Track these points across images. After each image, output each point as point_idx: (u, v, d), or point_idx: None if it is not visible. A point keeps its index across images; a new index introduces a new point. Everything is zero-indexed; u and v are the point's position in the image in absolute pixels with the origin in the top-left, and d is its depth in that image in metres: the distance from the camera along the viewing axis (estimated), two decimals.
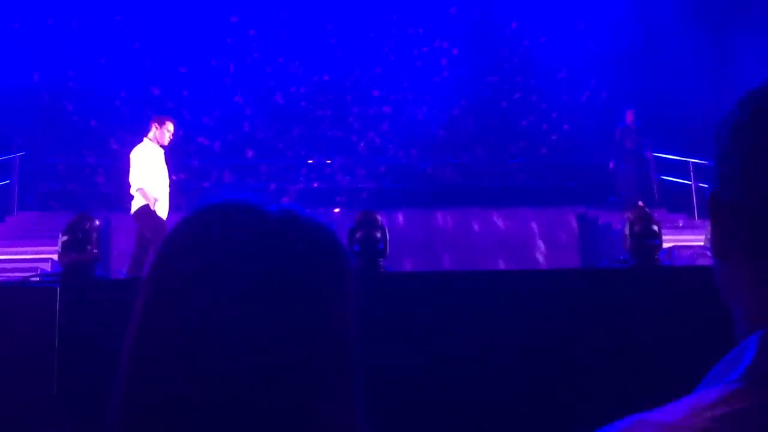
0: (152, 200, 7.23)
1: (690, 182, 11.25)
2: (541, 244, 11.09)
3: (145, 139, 7.65)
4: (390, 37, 12.51)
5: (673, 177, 11.48)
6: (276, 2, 12.28)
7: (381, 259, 3.94)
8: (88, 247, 3.63)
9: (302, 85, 12.24)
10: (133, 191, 7.39)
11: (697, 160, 10.89)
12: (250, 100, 12.07)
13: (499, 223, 11.19)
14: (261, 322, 0.75)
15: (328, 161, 12.00)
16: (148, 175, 7.36)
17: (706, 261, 6.95)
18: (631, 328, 3.34)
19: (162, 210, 7.38)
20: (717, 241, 0.75)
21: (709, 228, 0.78)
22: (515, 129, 12.51)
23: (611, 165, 11.14)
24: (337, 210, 10.07)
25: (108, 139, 11.74)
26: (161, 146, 7.59)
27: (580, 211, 11.39)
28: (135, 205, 7.35)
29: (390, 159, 12.28)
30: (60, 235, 3.77)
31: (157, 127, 7.60)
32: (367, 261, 3.84)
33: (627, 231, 4.13)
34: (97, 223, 3.80)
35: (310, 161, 12.09)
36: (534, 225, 11.20)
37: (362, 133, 12.40)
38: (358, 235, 3.88)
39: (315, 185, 11.90)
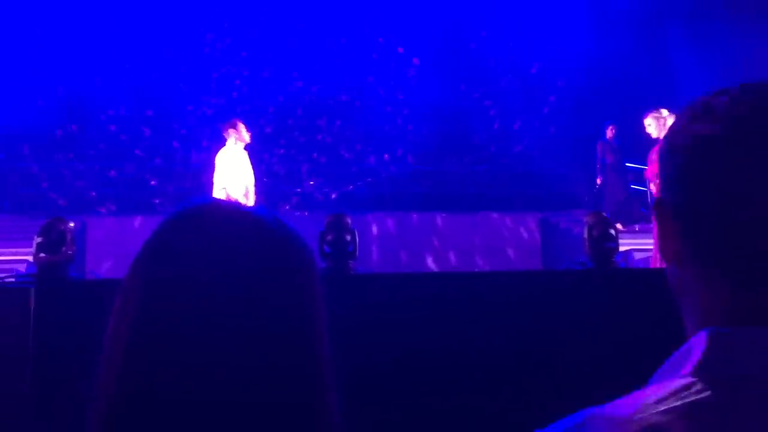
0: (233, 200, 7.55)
1: (646, 189, 11.42)
2: (504, 247, 11.18)
3: (228, 142, 8.01)
4: (359, 45, 12.51)
5: (631, 185, 11.64)
6: (252, 12, 12.21)
7: (351, 261, 3.93)
8: (63, 248, 3.56)
9: (274, 92, 12.18)
10: (216, 191, 7.76)
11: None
12: (231, 107, 11.97)
13: (465, 227, 11.24)
14: (240, 322, 0.76)
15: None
16: (231, 176, 7.77)
17: (659, 264, 7.06)
18: (588, 326, 3.38)
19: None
20: (664, 244, 0.76)
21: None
22: (481, 137, 12.59)
23: (598, 181, 11.17)
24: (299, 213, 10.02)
25: (84, 144, 11.57)
26: (245, 145, 7.99)
27: (541, 216, 11.51)
28: None
29: (360, 164, 12.28)
30: (35, 237, 3.70)
31: (234, 131, 7.96)
32: (337, 263, 3.83)
33: (586, 235, 4.18)
34: (71, 225, 3.74)
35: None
36: (498, 229, 11.28)
37: (332, 138, 12.38)
38: (328, 237, 3.87)
39: (287, 188, 11.85)
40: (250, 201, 7.91)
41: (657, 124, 7.40)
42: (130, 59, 11.72)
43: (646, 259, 8.76)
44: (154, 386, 0.73)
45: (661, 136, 7.38)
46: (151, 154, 11.83)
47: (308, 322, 0.80)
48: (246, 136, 8.06)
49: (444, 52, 12.53)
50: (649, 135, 7.57)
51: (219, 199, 0.85)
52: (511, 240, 11.27)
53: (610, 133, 11.10)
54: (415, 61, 12.52)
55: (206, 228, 0.80)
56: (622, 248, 5.02)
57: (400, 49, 12.50)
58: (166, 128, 11.84)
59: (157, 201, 11.19)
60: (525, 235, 11.37)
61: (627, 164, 11.23)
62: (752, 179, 0.68)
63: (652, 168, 7.51)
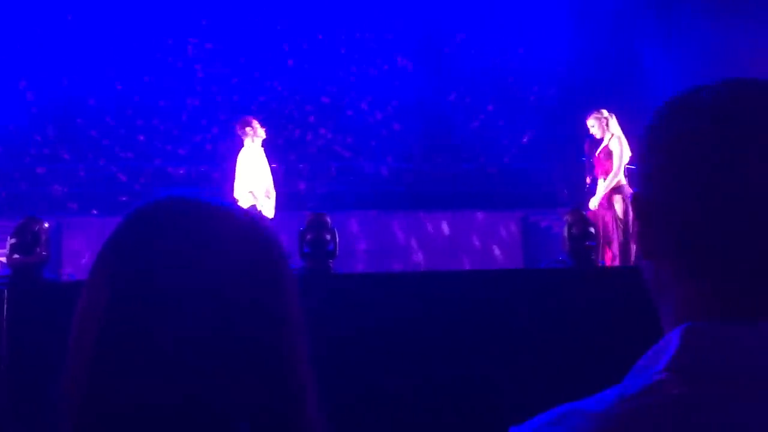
0: (260, 202, 7.63)
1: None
2: (486, 245, 11.23)
3: (245, 142, 7.97)
4: (342, 42, 12.48)
5: None
6: (233, 10, 12.14)
7: (331, 261, 3.92)
8: (37, 249, 3.52)
9: (256, 92, 12.12)
10: (240, 193, 7.69)
11: (631, 166, 11.16)
12: (209, 107, 11.89)
13: (446, 225, 11.28)
14: (209, 317, 0.74)
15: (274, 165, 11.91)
16: (254, 177, 7.74)
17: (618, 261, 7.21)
18: (568, 323, 3.41)
19: (268, 206, 7.72)
20: (643, 241, 0.76)
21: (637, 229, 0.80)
22: (462, 136, 12.63)
23: (588, 180, 11.18)
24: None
25: (57, 145, 11.44)
26: (262, 142, 8.00)
27: (522, 214, 11.57)
28: (242, 206, 7.48)
29: (340, 162, 12.26)
30: (8, 238, 3.65)
31: (249, 131, 7.91)
32: (317, 263, 3.82)
33: (566, 233, 4.21)
34: (45, 225, 3.69)
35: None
36: (479, 227, 11.33)
37: (313, 137, 12.35)
38: (308, 237, 3.86)
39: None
40: (271, 200, 7.85)
41: (599, 125, 7.70)
42: (112, 60, 11.60)
43: None
44: (124, 385, 0.72)
45: (605, 136, 7.63)
46: (134, 155, 11.71)
47: (281, 315, 0.78)
48: (261, 132, 8.03)
49: (425, 52, 12.55)
50: (593, 135, 7.82)
51: (182, 193, 0.82)
52: (493, 238, 11.32)
53: None
54: (399, 62, 12.51)
55: (170, 222, 0.78)
56: None
57: (399, 58, 12.49)
58: (150, 129, 11.72)
59: (126, 199, 11.06)
60: (506, 233, 11.42)
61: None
62: (734, 174, 0.68)
63: (599, 167, 7.73)
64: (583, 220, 4.23)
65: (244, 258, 0.78)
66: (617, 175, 7.37)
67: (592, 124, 7.70)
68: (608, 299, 3.46)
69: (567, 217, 4.30)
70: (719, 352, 0.66)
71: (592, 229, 4.22)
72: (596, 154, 7.72)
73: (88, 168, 11.52)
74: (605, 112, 7.66)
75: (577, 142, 11.16)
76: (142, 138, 11.72)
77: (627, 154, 7.49)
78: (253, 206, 7.53)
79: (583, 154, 11.22)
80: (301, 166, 12.05)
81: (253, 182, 7.77)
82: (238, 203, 7.58)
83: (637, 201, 0.77)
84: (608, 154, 7.46)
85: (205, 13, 12.10)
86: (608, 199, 7.36)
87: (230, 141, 11.44)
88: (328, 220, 4.01)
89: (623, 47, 12.17)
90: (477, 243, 11.23)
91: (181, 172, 11.66)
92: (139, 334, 0.73)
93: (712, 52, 10.28)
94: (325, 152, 12.33)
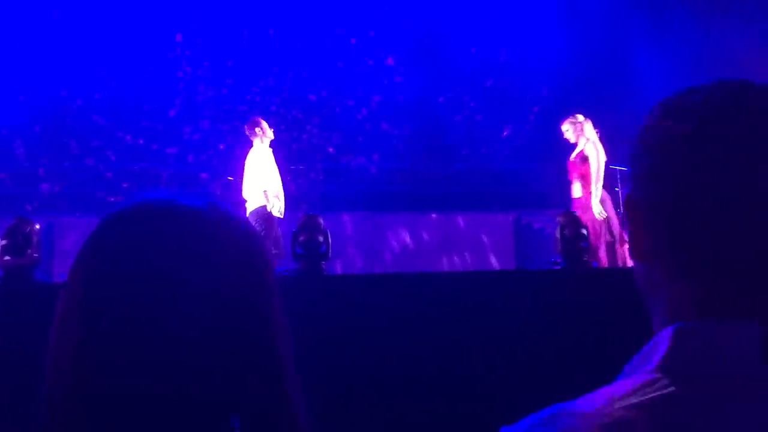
0: (272, 202, 7.57)
1: (617, 189, 11.55)
2: (477, 247, 11.23)
3: (255, 142, 7.93)
4: (334, 42, 12.47)
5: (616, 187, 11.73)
6: (222, 11, 12.10)
7: (323, 262, 3.93)
8: (28, 250, 3.51)
9: (243, 92, 12.09)
10: (252, 193, 7.62)
11: (623, 168, 11.19)
12: (198, 107, 11.84)
13: (439, 227, 11.28)
14: (184, 316, 0.75)
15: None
16: (267, 177, 7.71)
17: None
18: (561, 324, 3.42)
19: (279, 206, 7.66)
20: (634, 242, 0.77)
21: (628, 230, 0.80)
22: (455, 137, 12.64)
23: None
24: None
25: (46, 145, 11.38)
26: (270, 142, 7.96)
27: (515, 215, 11.58)
28: (253, 206, 7.53)
29: (333, 163, 12.25)
30: None
31: (259, 131, 7.89)
32: (310, 264, 3.82)
33: (558, 234, 4.23)
34: (37, 226, 3.68)
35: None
36: (472, 229, 11.33)
37: (305, 137, 12.33)
38: (300, 238, 3.86)
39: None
40: (281, 200, 7.81)
41: (574, 129, 7.73)
42: (100, 60, 11.55)
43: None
44: (106, 384, 0.72)
45: (579, 141, 7.68)
46: (122, 155, 11.66)
47: (261, 312, 0.78)
48: (270, 133, 8.03)
49: (418, 52, 12.55)
50: (574, 139, 7.86)
51: (163, 194, 0.83)
52: (485, 239, 11.33)
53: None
54: (390, 61, 12.50)
55: (147, 223, 0.79)
56: None
57: (392, 58, 12.47)
58: (138, 129, 11.67)
59: (114, 200, 10.99)
60: (498, 234, 11.43)
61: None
62: (725, 175, 0.69)
63: (574, 171, 7.78)
64: (575, 221, 4.25)
65: (222, 258, 0.79)
66: (599, 180, 7.43)
67: (567, 129, 7.74)
68: (600, 300, 3.47)
69: (560, 219, 4.31)
70: (710, 352, 0.66)
71: (585, 231, 4.24)
72: (571, 159, 7.75)
73: (76, 168, 11.46)
74: (580, 117, 7.70)
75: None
76: (129, 138, 11.67)
77: (603, 158, 7.54)
78: (264, 206, 7.51)
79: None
80: (292, 166, 12.04)
81: (266, 182, 7.72)
82: (248, 203, 7.59)
83: (629, 201, 0.77)
84: (584, 158, 7.51)
85: (194, 14, 12.06)
86: (586, 202, 7.42)
87: (219, 141, 11.46)
88: (321, 221, 4.01)
89: (615, 48, 12.22)
90: (469, 244, 11.24)
91: (169, 171, 11.61)
92: (114, 334, 0.73)
93: (703, 52, 10.33)
94: (315, 152, 12.30)
